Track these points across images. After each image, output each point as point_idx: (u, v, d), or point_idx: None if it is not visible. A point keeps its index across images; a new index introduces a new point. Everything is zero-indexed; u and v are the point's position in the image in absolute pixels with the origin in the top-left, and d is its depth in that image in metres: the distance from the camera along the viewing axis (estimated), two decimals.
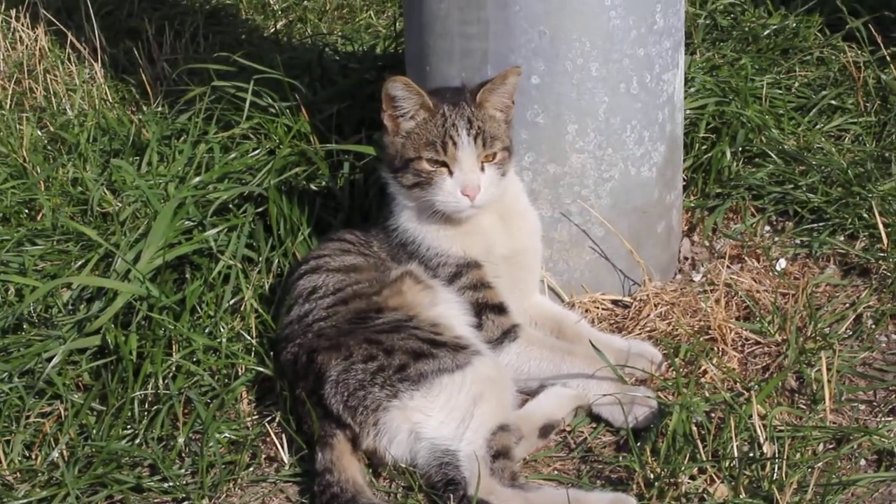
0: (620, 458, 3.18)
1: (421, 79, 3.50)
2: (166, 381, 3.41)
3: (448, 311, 3.34)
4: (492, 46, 3.53)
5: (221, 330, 3.55)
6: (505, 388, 3.23)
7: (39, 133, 4.86)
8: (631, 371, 3.38)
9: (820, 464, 3.00)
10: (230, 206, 3.93)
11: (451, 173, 3.29)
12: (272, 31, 5.70)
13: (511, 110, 3.42)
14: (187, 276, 3.72)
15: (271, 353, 3.46)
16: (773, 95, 4.58)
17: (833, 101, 4.61)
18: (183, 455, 3.30)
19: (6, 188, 4.39)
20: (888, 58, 4.74)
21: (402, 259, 3.44)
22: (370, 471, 3.18)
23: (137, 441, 3.32)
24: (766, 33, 5.02)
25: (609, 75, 3.55)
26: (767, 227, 4.08)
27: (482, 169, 3.31)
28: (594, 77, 3.54)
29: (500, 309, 3.42)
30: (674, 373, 3.36)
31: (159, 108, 4.86)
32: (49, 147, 4.76)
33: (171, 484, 3.21)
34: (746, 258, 3.92)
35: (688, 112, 4.17)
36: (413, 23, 3.73)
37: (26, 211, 4.30)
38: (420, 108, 3.32)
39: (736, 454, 2.98)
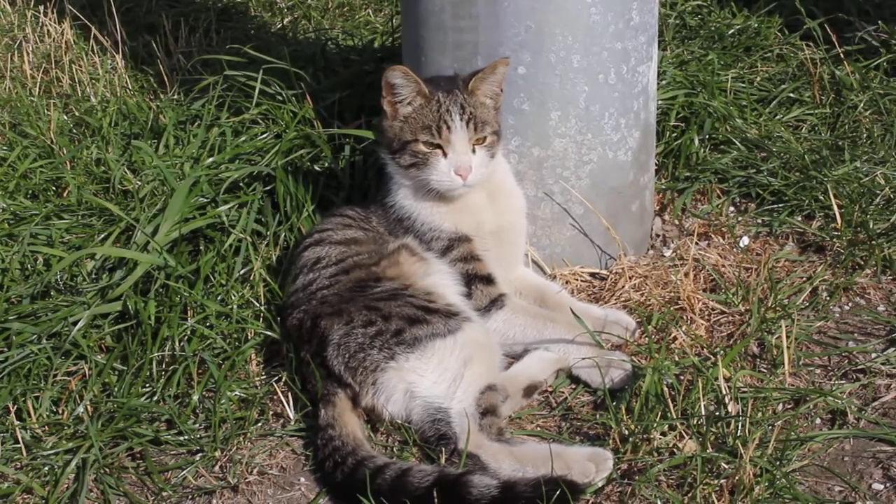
0: (598, 416, 3.18)
1: (417, 69, 3.47)
2: (182, 344, 3.40)
3: (440, 281, 3.34)
4: (482, 39, 3.51)
5: (232, 297, 3.54)
6: (492, 352, 3.24)
7: (65, 118, 4.84)
8: (607, 337, 3.37)
9: (780, 422, 2.99)
10: (241, 184, 3.92)
11: (445, 155, 3.29)
12: (279, 26, 5.67)
13: (500, 97, 3.41)
14: (201, 248, 3.71)
15: (278, 318, 3.45)
16: (737, 88, 4.57)
17: (791, 94, 4.61)
18: (197, 411, 3.30)
19: (35, 167, 4.37)
20: (842, 55, 4.74)
21: (398, 233, 3.44)
22: (369, 426, 3.18)
23: (155, 398, 3.31)
24: (730, 32, 5.01)
25: (589, 67, 3.53)
26: (732, 208, 4.07)
27: (473, 151, 3.30)
28: (575, 68, 3.52)
29: (488, 280, 3.41)
30: (646, 339, 3.38)
31: (175, 96, 4.84)
32: (74, 130, 4.74)
33: (186, 437, 3.21)
34: (713, 236, 3.92)
35: (660, 103, 4.16)
36: (409, 17, 3.71)
37: (53, 188, 4.28)
38: (417, 94, 3.31)
39: (703, 413, 2.97)
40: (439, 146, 3.29)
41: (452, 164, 3.29)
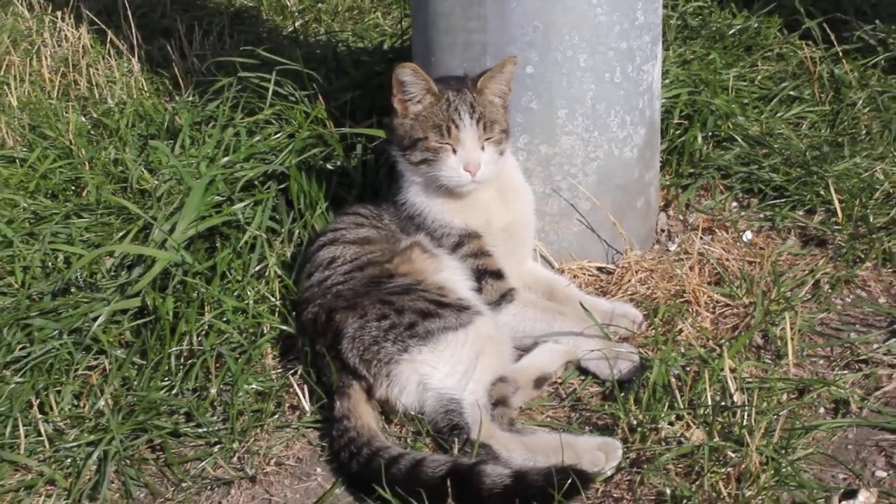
0: (606, 407, 3.17)
1: (427, 69, 3.46)
2: (199, 339, 3.41)
3: (452, 276, 3.34)
4: (491, 39, 3.50)
5: (248, 293, 3.54)
6: (503, 345, 3.23)
7: (84, 119, 4.83)
8: (615, 329, 3.36)
9: (784, 411, 2.98)
10: (255, 182, 3.92)
11: (454, 152, 3.28)
12: (290, 29, 5.67)
13: (508, 96, 3.41)
14: (217, 245, 3.70)
15: (293, 313, 3.44)
16: (738, 87, 4.56)
17: (792, 92, 4.60)
18: (215, 404, 3.29)
19: (55, 168, 4.38)
20: (840, 54, 4.73)
21: (410, 231, 3.43)
22: (383, 418, 3.17)
23: (174, 391, 3.31)
24: (731, 32, 5.01)
25: (595, 66, 3.52)
26: (735, 203, 4.06)
27: (482, 148, 3.30)
28: (582, 67, 3.51)
29: (497, 274, 3.41)
30: (653, 331, 3.37)
31: (190, 98, 4.83)
32: (92, 132, 4.74)
33: (204, 429, 3.21)
34: (717, 230, 3.90)
35: (664, 101, 4.14)
36: (420, 19, 3.70)
37: (73, 188, 4.28)
38: (427, 92, 3.31)
39: (710, 403, 2.97)
40: (449, 143, 3.29)
41: (462, 161, 3.28)
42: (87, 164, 4.36)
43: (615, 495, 2.86)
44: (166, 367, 3.35)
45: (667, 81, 4.33)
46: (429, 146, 3.30)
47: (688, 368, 3.12)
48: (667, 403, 3.00)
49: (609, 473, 2.88)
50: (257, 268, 3.62)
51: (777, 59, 4.87)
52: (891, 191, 3.88)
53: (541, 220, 3.67)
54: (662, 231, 3.97)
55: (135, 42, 5.48)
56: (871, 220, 3.75)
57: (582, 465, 2.83)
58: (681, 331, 3.37)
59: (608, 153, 3.64)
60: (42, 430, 3.20)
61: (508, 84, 3.39)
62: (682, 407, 2.99)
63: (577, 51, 3.49)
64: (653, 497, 2.82)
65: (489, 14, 3.47)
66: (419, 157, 3.33)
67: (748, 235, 3.85)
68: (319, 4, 6.02)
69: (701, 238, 3.84)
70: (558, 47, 3.48)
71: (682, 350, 3.26)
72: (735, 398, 2.99)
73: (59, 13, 5.95)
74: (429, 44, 3.65)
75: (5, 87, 5.25)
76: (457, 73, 3.50)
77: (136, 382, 3.33)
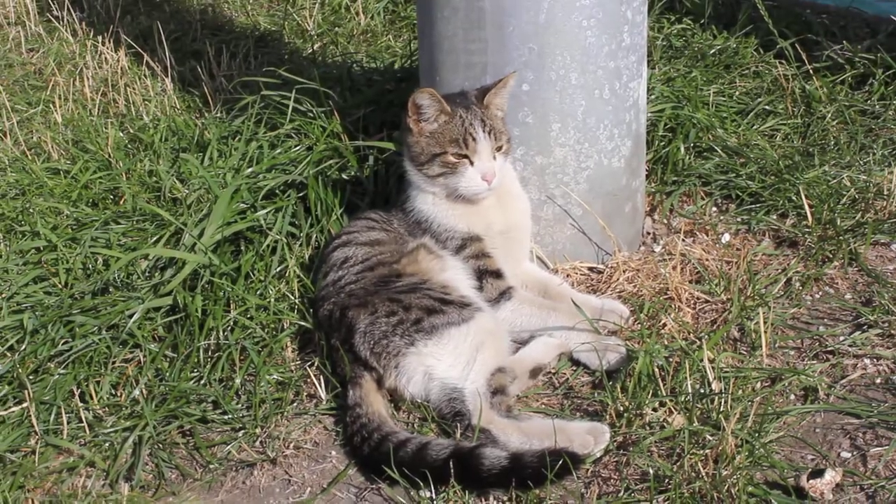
0: (596, 395, 3.17)
1: (432, 87, 3.45)
2: (225, 334, 3.41)
3: (455, 275, 3.34)
4: (490, 60, 3.50)
5: (270, 292, 3.55)
6: (502, 338, 3.24)
7: (121, 135, 4.84)
8: (604, 324, 3.37)
9: (758, 398, 2.98)
10: (276, 191, 3.92)
11: (471, 163, 3.29)
12: (310, 51, 5.66)
13: (505, 109, 3.43)
14: (242, 248, 3.71)
15: (311, 310, 3.45)
16: (718, 102, 4.55)
17: (767, 107, 4.59)
18: (239, 393, 3.30)
19: (95, 179, 4.39)
20: (811, 71, 4.71)
21: (417, 234, 3.43)
22: (392, 405, 3.17)
23: (202, 382, 3.32)
24: (711, 52, 4.99)
25: (586, 83, 3.52)
26: (714, 208, 4.05)
27: (494, 158, 3.30)
28: (574, 85, 3.51)
29: (497, 274, 3.41)
30: (639, 325, 3.38)
31: (218, 114, 4.84)
32: (129, 146, 4.74)
33: (229, 416, 3.22)
34: (697, 233, 3.90)
35: (649, 115, 4.15)
36: (425, 42, 3.70)
37: (111, 197, 4.29)
38: (440, 113, 3.31)
39: (690, 391, 2.98)
40: (466, 156, 3.30)
41: (479, 171, 3.29)
42: (124, 175, 4.37)
43: (603, 475, 2.86)
44: (195, 360, 3.36)
45: (652, 97, 4.33)
46: (447, 160, 3.31)
47: (670, 359, 3.13)
48: (651, 391, 3.00)
49: (598, 455, 2.89)
50: (278, 269, 3.63)
51: (753, 77, 4.86)
52: (856, 196, 3.88)
53: (536, 224, 3.67)
54: (648, 234, 3.97)
55: (168, 63, 5.49)
56: (839, 223, 3.74)
57: (573, 447, 2.83)
58: (664, 325, 3.37)
59: (598, 163, 3.64)
60: (83, 417, 3.21)
61: (507, 98, 3.41)
62: (664, 394, 2.99)
63: (569, 70, 3.49)
64: (637, 477, 2.82)
65: (489, 37, 3.47)
66: (438, 170, 3.33)
67: (726, 238, 3.85)
68: (336, 28, 6.02)
69: (683, 240, 3.83)
70: (552, 67, 3.48)
71: (666, 342, 3.26)
72: (713, 386, 2.99)
73: (100, 38, 5.96)
74: (434, 64, 3.65)
75: (51, 105, 5.26)
76: (457, 91, 3.49)
77: (167, 374, 3.34)
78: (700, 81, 4.64)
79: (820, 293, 3.55)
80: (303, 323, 3.45)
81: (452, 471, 2.77)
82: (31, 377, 3.32)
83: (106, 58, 5.73)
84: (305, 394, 3.31)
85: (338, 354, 3.18)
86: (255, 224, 3.75)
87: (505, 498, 2.78)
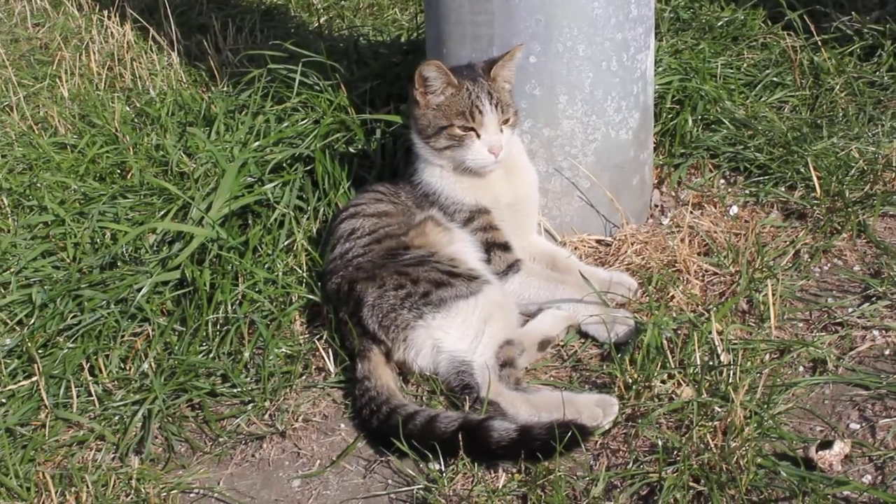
0: (604, 367, 3.16)
1: (439, 59, 3.43)
2: (234, 307, 3.42)
3: (463, 248, 3.33)
4: (497, 32, 3.48)
5: (278, 265, 3.55)
6: (510, 311, 3.23)
7: (128, 109, 4.84)
8: (612, 296, 3.35)
9: (767, 370, 2.98)
10: (284, 165, 3.92)
11: (478, 136, 3.28)
12: (316, 25, 5.65)
13: (513, 81, 3.41)
14: (249, 222, 3.72)
15: (319, 283, 3.44)
16: (726, 74, 4.52)
17: (775, 79, 4.56)
18: (248, 366, 3.30)
19: (102, 153, 4.39)
20: (819, 43, 4.68)
21: (424, 206, 3.42)
22: (400, 378, 3.17)
23: (211, 355, 3.33)
24: (719, 24, 4.96)
25: (593, 55, 3.50)
26: (722, 180, 4.04)
27: (501, 131, 3.29)
28: (581, 56, 3.49)
29: (505, 247, 3.40)
30: (647, 297, 3.36)
31: (225, 88, 4.83)
32: (136, 120, 4.74)
33: (239, 390, 3.23)
34: (706, 205, 3.88)
35: (657, 87, 4.12)
36: (432, 14, 3.68)
37: (119, 171, 4.29)
38: (447, 85, 3.29)
39: (698, 363, 2.97)
40: (472, 129, 3.28)
41: (486, 144, 3.28)
42: (131, 149, 4.37)
43: (612, 447, 2.86)
44: (204, 334, 3.36)
45: (660, 69, 4.31)
46: (453, 133, 3.29)
47: (679, 331, 3.12)
48: (659, 363, 3.00)
49: (607, 427, 2.89)
50: (286, 242, 3.63)
51: (761, 48, 4.83)
52: (865, 168, 3.85)
53: (544, 196, 3.65)
54: (656, 206, 3.95)
55: (174, 38, 5.47)
56: (847, 194, 3.72)
57: (582, 420, 2.83)
58: (672, 297, 3.36)
59: (605, 135, 3.62)
60: (92, 391, 3.22)
61: (514, 70, 3.39)
62: (673, 366, 2.99)
63: (577, 42, 3.47)
64: (646, 448, 2.82)
65: (496, 8, 3.45)
66: (445, 143, 3.32)
67: (734, 210, 3.83)
68: (342, 1, 6.01)
69: (691, 213, 3.82)
70: (559, 39, 3.46)
71: (674, 315, 3.25)
72: (722, 358, 2.98)
73: (105, 12, 5.94)
74: (440, 36, 3.63)
75: (57, 79, 5.25)
76: (464, 63, 3.47)
77: (176, 347, 3.34)
78: (708, 53, 4.60)
79: (828, 265, 3.53)
80: (311, 296, 3.45)
81: (461, 443, 2.76)
82: (40, 351, 3.33)
83: (112, 32, 5.72)
84: (314, 367, 3.31)
85: (346, 328, 3.17)
86: (263, 198, 3.75)
87: (514, 470, 2.78)
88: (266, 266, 3.54)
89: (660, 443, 2.77)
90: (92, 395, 3.21)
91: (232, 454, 3.05)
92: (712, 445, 2.70)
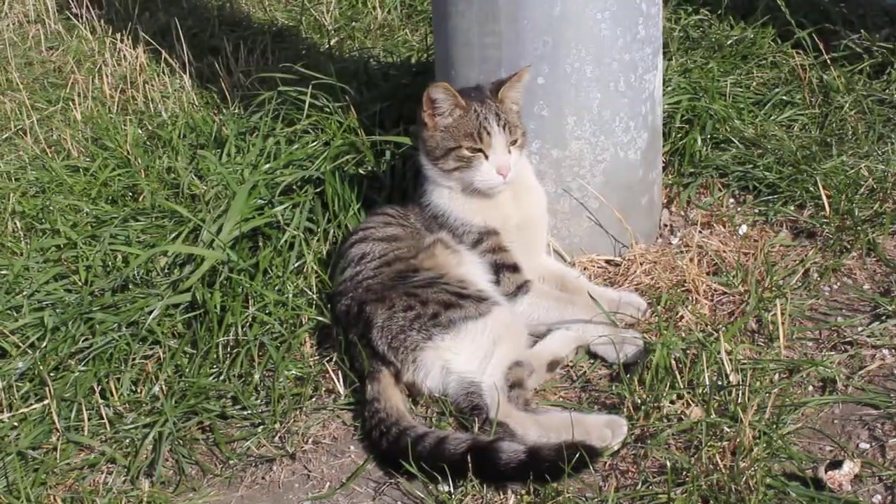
0: (613, 388, 3.16)
1: (447, 81, 3.45)
2: (244, 329, 3.42)
3: (472, 270, 3.34)
4: (505, 53, 3.49)
5: (288, 287, 3.55)
6: (519, 332, 3.23)
7: (140, 131, 4.87)
8: (621, 317, 3.36)
9: (776, 390, 2.98)
10: (294, 187, 3.92)
11: (486, 157, 3.29)
12: (327, 46, 5.67)
13: (521, 102, 3.42)
14: (260, 244, 3.72)
15: (328, 305, 3.45)
16: (735, 93, 4.52)
17: (784, 97, 4.56)
18: (258, 388, 3.31)
19: (114, 176, 4.42)
20: (829, 61, 4.68)
21: (433, 229, 3.43)
22: (410, 400, 3.18)
23: (221, 378, 3.33)
24: (729, 42, 4.97)
25: (601, 76, 3.51)
26: (731, 200, 4.04)
27: (509, 152, 3.30)
28: (589, 77, 3.50)
29: (514, 268, 3.41)
30: (656, 318, 3.36)
31: (236, 110, 4.85)
32: (148, 143, 4.77)
33: (249, 412, 3.23)
34: (715, 225, 3.88)
35: (666, 106, 4.13)
36: (441, 36, 3.70)
37: (130, 194, 4.32)
38: (455, 107, 3.30)
39: (707, 383, 2.97)
40: (481, 150, 3.29)
41: (494, 165, 3.29)
42: (143, 172, 4.39)
43: (621, 468, 2.86)
44: (214, 356, 3.37)
45: (669, 89, 4.31)
46: (462, 155, 3.30)
47: (688, 351, 3.12)
48: (668, 384, 3.00)
49: (615, 448, 2.89)
50: (296, 264, 3.63)
51: (771, 67, 4.83)
52: (874, 186, 3.85)
53: (553, 217, 3.66)
54: (665, 226, 3.95)
55: (186, 60, 5.50)
56: (857, 213, 3.72)
57: (591, 441, 2.83)
58: (681, 317, 3.37)
59: (614, 156, 3.63)
60: (103, 414, 3.23)
61: (522, 92, 3.40)
62: (682, 387, 2.99)
63: (584, 63, 3.48)
64: (655, 469, 2.82)
65: (504, 30, 3.47)
66: (453, 164, 3.32)
67: (743, 229, 3.83)
68: (353, 23, 6.02)
69: (700, 232, 3.83)
70: (566, 60, 3.47)
71: (683, 335, 3.25)
72: (731, 378, 2.98)
73: (118, 35, 5.97)
74: (449, 58, 3.65)
75: (70, 102, 5.28)
76: (472, 84, 3.49)
77: (187, 370, 3.35)
78: (717, 72, 4.61)
79: (838, 284, 3.53)
80: (321, 318, 3.46)
81: (470, 465, 2.77)
82: (52, 374, 3.35)
83: (125, 55, 5.76)
84: (324, 389, 3.32)
85: (356, 349, 3.18)
86: (273, 220, 3.76)
87: (523, 492, 2.78)
88: (276, 288, 3.55)
89: (669, 464, 2.77)
90: (103, 418, 3.22)
91: (242, 476, 3.06)
92: (721, 466, 2.70)
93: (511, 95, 3.37)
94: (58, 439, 3.17)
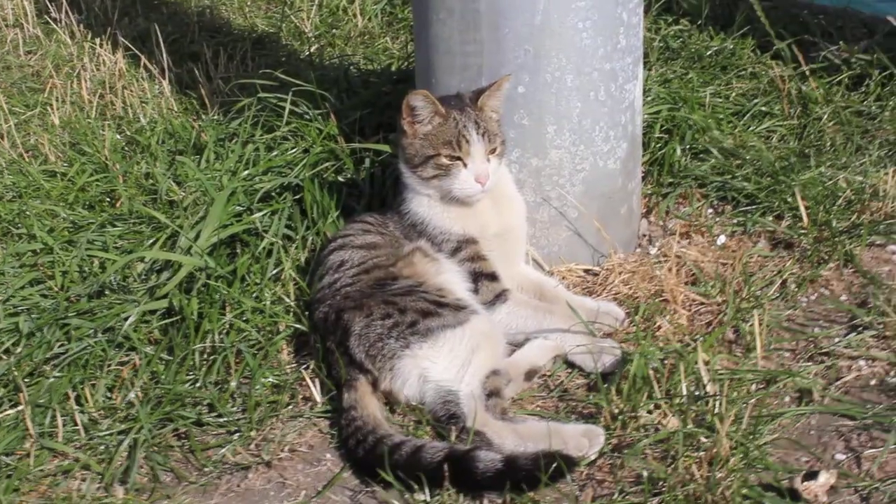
0: (591, 397, 3.16)
1: (428, 89, 3.44)
2: (221, 336, 3.41)
3: (450, 278, 3.33)
4: (486, 62, 3.50)
5: (266, 294, 3.55)
6: (497, 341, 3.22)
7: (118, 137, 4.85)
8: (599, 326, 3.36)
9: (753, 400, 2.98)
10: (273, 194, 3.92)
11: (465, 165, 3.29)
12: (307, 53, 5.67)
13: (500, 111, 3.42)
14: (238, 251, 3.71)
15: (306, 312, 3.44)
16: (714, 103, 4.55)
17: (763, 108, 4.58)
18: (235, 396, 3.29)
19: (92, 181, 4.40)
20: (807, 72, 4.71)
21: (412, 237, 3.42)
22: (387, 408, 3.16)
23: (198, 385, 3.32)
24: (708, 53, 4.99)
25: (582, 85, 3.52)
26: (710, 210, 4.05)
27: (489, 160, 3.30)
28: (569, 87, 3.51)
29: (492, 277, 3.40)
30: (634, 327, 3.36)
31: (215, 116, 4.84)
32: (126, 148, 4.75)
33: (225, 419, 3.22)
34: (693, 235, 3.89)
35: (645, 116, 4.14)
36: (422, 44, 3.70)
37: (108, 199, 4.30)
38: (435, 114, 3.31)
39: (685, 393, 2.97)
40: (459, 158, 3.29)
41: (472, 173, 3.29)
42: (121, 177, 4.38)
43: (598, 478, 2.86)
44: (191, 363, 3.36)
45: (649, 98, 4.33)
46: (440, 163, 3.30)
47: (665, 361, 3.12)
48: (646, 394, 3.00)
49: (593, 458, 2.89)
50: (274, 271, 3.63)
51: (750, 78, 4.85)
52: (852, 198, 3.87)
53: (532, 226, 3.66)
54: (644, 236, 3.96)
55: (166, 66, 5.49)
56: (834, 224, 3.73)
57: (568, 450, 2.83)
58: (659, 327, 3.37)
59: (594, 165, 3.64)
60: (78, 420, 3.20)
61: (502, 100, 3.40)
62: (659, 397, 2.99)
63: (565, 72, 3.49)
64: (632, 479, 2.82)
65: (485, 39, 3.48)
66: (431, 172, 3.33)
67: (722, 239, 3.84)
68: (334, 30, 6.03)
69: (679, 242, 3.84)
70: (547, 69, 3.48)
71: (661, 345, 3.25)
72: (708, 388, 2.99)
73: (97, 40, 5.97)
74: (430, 65, 3.65)
75: (48, 107, 5.27)
76: (453, 92, 3.49)
77: (163, 376, 3.33)
78: (696, 83, 4.63)
79: (815, 295, 3.54)
80: (298, 326, 3.45)
81: (447, 473, 2.76)
82: (26, 380, 3.33)
83: (104, 60, 5.74)
84: (301, 397, 3.31)
85: (333, 357, 3.17)
86: (252, 227, 3.75)
87: (499, 501, 2.77)
88: (254, 295, 3.54)
89: (645, 473, 2.77)
90: (78, 425, 3.20)
91: (217, 484, 3.04)
92: (698, 476, 2.70)
93: (491, 104, 3.37)
94: (31, 445, 3.14)
